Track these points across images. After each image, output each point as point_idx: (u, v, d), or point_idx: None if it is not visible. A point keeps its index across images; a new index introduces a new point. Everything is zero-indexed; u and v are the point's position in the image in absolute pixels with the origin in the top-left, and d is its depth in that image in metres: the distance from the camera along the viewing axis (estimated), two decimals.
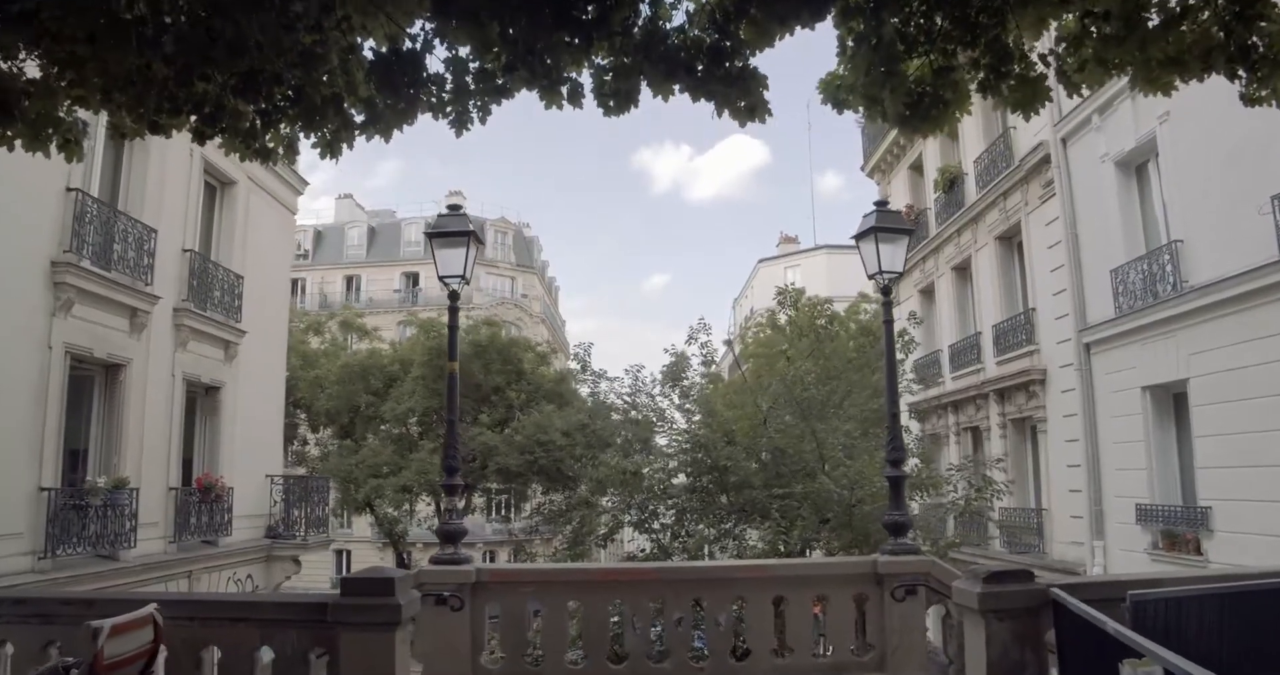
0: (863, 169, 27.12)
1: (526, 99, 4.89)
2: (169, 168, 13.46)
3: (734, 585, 7.50)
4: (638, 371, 13.78)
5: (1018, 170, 16.95)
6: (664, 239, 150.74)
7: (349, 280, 60.02)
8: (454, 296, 8.31)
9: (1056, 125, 15.61)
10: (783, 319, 18.37)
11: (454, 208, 8.42)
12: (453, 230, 8.25)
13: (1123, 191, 13.99)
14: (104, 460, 11.94)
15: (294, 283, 58.66)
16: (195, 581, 13.78)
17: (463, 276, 8.23)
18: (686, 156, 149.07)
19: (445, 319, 28.93)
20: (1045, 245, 16.24)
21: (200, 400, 14.97)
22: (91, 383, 12.09)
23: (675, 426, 12.80)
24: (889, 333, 8.26)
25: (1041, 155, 16.06)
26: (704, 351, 13.82)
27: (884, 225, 8.27)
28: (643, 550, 12.46)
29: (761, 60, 4.70)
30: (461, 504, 29.50)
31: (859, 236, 8.46)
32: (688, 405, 12.98)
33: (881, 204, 8.50)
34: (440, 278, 8.29)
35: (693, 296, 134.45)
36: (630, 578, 7.64)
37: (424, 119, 4.94)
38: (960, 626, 7.63)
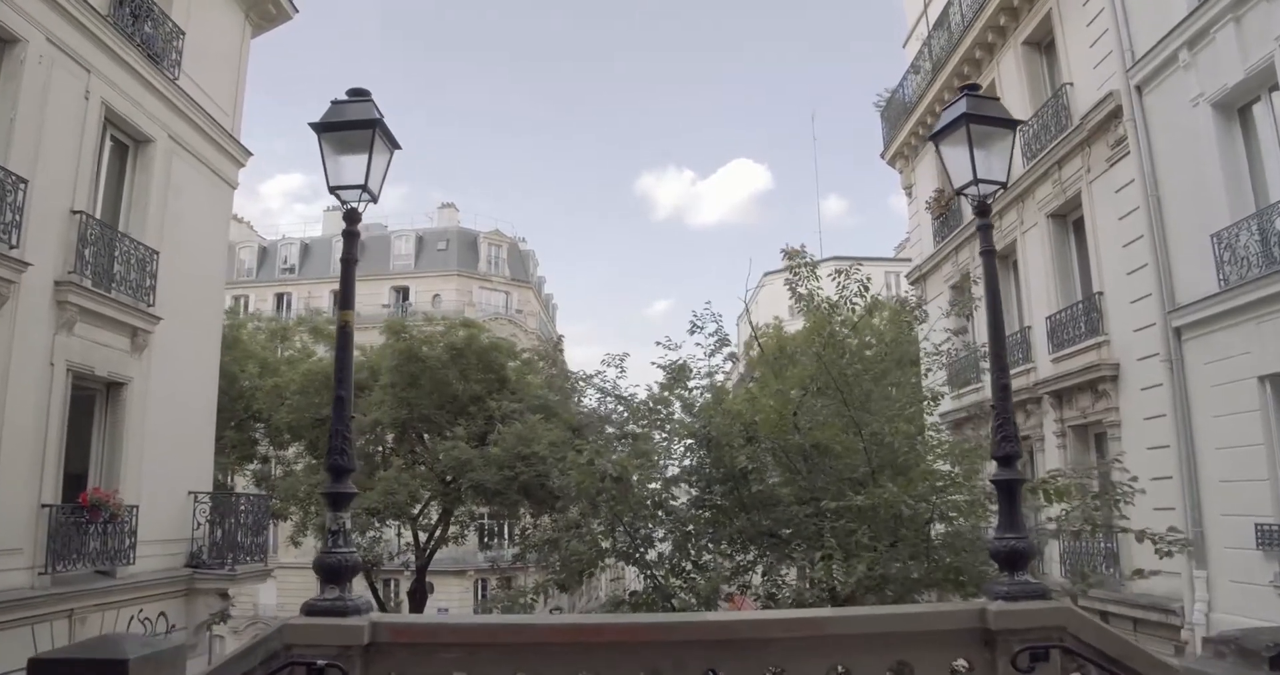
0: (883, 156, 24.65)
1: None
2: (53, 109, 10.91)
3: (767, 649, 4.83)
4: (621, 361, 11.16)
5: (1078, 131, 14.39)
6: (667, 265, 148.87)
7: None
8: (352, 217, 5.72)
9: (1129, 70, 13.07)
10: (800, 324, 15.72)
11: (358, 93, 5.82)
12: (351, 121, 5.68)
13: (1223, 138, 11.40)
14: None
15: (279, 297, 56.74)
16: (80, 624, 11.06)
17: (363, 188, 5.64)
18: (689, 181, 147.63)
19: (424, 325, 26.18)
20: (1116, 216, 13.64)
21: (99, 399, 12.33)
22: None
23: (675, 419, 10.00)
24: (989, 267, 5.66)
25: (1109, 109, 13.50)
26: (714, 342, 11.10)
27: (979, 114, 5.69)
28: (631, 594, 9.37)
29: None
30: (437, 532, 26.70)
31: (939, 135, 5.88)
32: (701, 396, 10.21)
33: (973, 87, 5.91)
34: (332, 190, 5.71)
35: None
36: (608, 638, 4.94)
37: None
38: None
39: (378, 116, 5.64)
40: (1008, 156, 5.83)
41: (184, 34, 13.60)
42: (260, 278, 57.29)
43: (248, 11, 15.81)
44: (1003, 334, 5.62)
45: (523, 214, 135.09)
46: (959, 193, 5.88)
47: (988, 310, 5.56)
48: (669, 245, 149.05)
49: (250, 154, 15.81)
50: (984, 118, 5.67)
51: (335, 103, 5.78)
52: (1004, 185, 5.83)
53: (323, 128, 5.65)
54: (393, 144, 5.89)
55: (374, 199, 5.77)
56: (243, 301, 52.68)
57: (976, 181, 5.64)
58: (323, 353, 26.76)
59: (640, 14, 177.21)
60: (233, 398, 24.30)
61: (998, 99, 6.12)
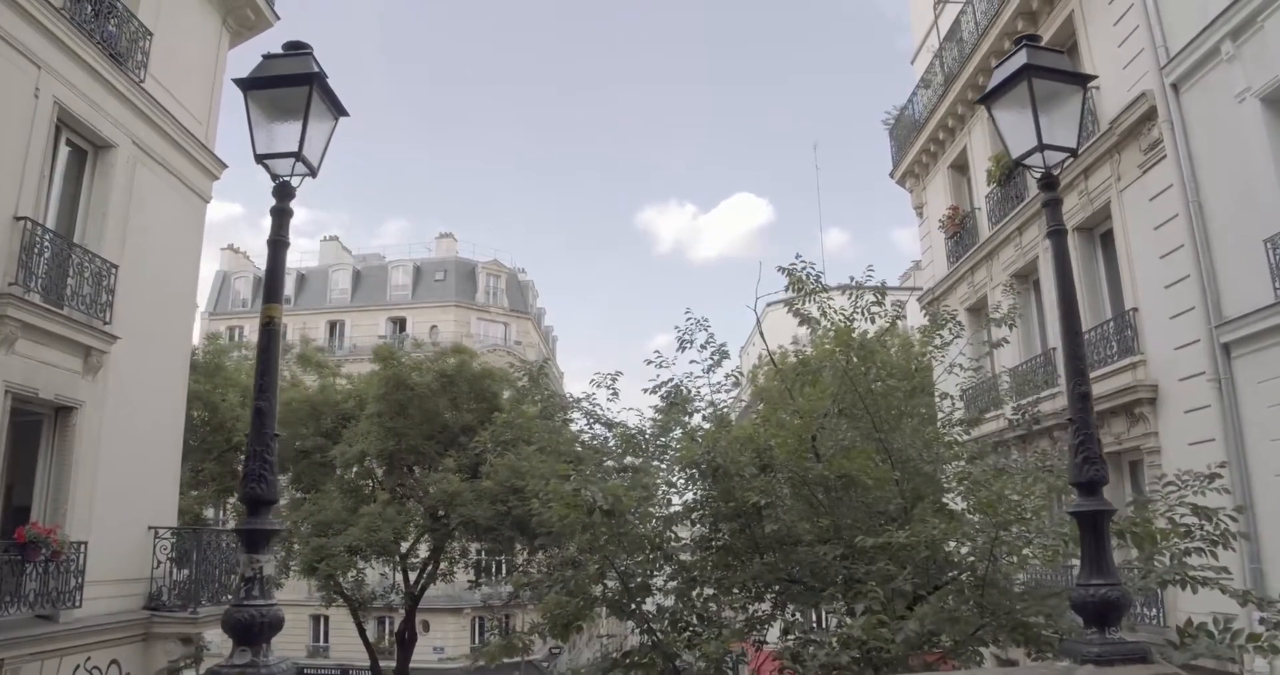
0: (892, 176, 23.79)
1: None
2: None
3: None
4: (614, 380, 10.15)
5: (1106, 136, 13.47)
6: (668, 299, 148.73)
7: (333, 326, 57.03)
8: (284, 192, 4.72)
9: (1164, 68, 12.17)
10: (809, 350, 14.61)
11: (295, 46, 4.86)
12: (284, 76, 4.71)
13: (1275, 135, 10.46)
14: None
15: None
16: None
17: (297, 156, 4.66)
18: (691, 215, 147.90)
19: (413, 352, 25.06)
20: (1151, 226, 12.66)
21: (46, 424, 11.28)
22: None
23: (674, 445, 8.88)
24: (1059, 248, 4.65)
25: (1141, 111, 12.58)
26: (710, 355, 10.05)
27: (1042, 66, 4.72)
28: (625, 654, 8.04)
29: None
30: (427, 570, 25.35)
31: (991, 95, 4.90)
32: (703, 422, 9.14)
33: (1033, 38, 4.95)
34: (259, 159, 4.71)
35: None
36: None
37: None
38: None
39: (316, 70, 4.68)
40: (1076, 120, 4.85)
41: (151, 35, 12.74)
42: (255, 308, 56.51)
43: (225, 17, 15.00)
44: (1079, 330, 4.61)
45: (523, 247, 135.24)
46: (1018, 164, 4.89)
47: (1060, 302, 4.55)
48: (670, 279, 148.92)
49: (225, 166, 14.90)
50: (1049, 71, 4.70)
51: (267, 57, 4.82)
52: (1074, 153, 4.85)
53: (249, 84, 4.68)
54: (338, 109, 4.92)
55: (312, 172, 4.78)
56: (238, 332, 51.73)
57: (1041, 147, 4.65)
58: (310, 382, 25.61)
59: (642, 48, 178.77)
60: (214, 428, 23.22)
61: (1062, 52, 5.12)
